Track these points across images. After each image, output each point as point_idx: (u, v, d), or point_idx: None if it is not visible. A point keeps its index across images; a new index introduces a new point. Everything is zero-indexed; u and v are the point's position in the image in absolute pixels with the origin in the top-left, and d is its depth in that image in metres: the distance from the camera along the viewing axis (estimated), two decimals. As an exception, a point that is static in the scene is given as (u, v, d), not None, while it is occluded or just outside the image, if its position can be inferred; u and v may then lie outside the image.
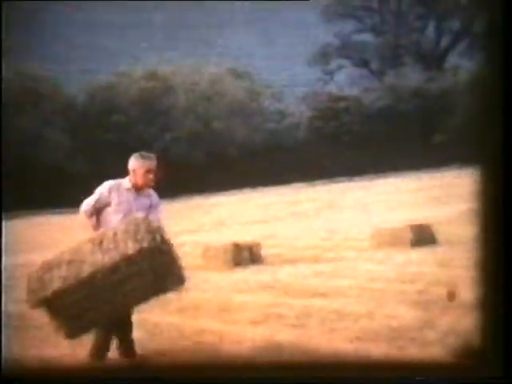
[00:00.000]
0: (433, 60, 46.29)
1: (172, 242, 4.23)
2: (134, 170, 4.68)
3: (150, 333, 5.58)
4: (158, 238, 4.10)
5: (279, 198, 26.08)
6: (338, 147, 37.52)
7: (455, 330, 4.82)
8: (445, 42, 48.49)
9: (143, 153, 4.74)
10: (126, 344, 4.70)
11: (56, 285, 4.06)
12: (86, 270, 4.05)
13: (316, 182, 32.48)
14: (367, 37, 49.66)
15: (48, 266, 4.20)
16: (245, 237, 12.01)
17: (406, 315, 5.47)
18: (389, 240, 10.41)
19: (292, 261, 9.90)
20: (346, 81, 45.87)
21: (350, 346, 4.70)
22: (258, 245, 10.36)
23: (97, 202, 4.66)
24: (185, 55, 44.09)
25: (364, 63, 48.88)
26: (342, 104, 39.02)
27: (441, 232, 10.55)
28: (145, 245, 4.03)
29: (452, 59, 46.94)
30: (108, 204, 4.65)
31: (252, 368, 4.39)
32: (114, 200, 4.64)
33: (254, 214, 20.58)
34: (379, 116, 38.00)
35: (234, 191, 30.96)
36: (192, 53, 46.86)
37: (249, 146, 37.18)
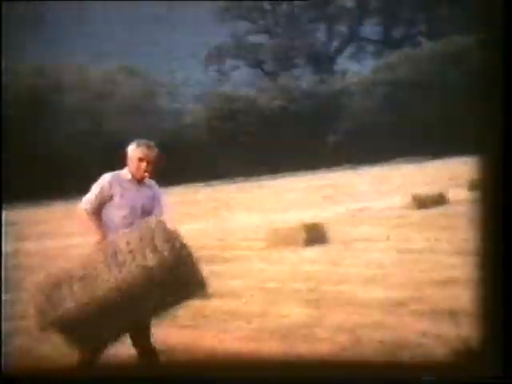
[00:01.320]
0: (323, 62, 47.73)
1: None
2: (129, 158, 4.44)
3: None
4: (178, 244, 3.81)
5: (175, 197, 25.88)
6: (235, 147, 37.84)
7: (343, 327, 4.99)
8: (335, 45, 50.15)
9: (140, 140, 4.47)
10: (148, 352, 4.24)
11: (68, 304, 3.75)
12: (102, 286, 3.74)
13: (213, 182, 32.55)
14: (261, 38, 50.41)
15: (55, 282, 3.85)
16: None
17: (298, 313, 5.60)
18: (283, 239, 10.60)
19: (187, 262, 9.84)
20: (241, 81, 46.31)
21: (243, 345, 4.76)
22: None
23: (98, 197, 4.33)
24: (73, 51, 42.78)
25: (258, 64, 49.58)
26: (238, 104, 39.38)
27: (332, 231, 10.89)
28: (165, 254, 3.74)
29: (341, 62, 48.61)
30: (110, 198, 4.33)
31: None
32: (117, 193, 4.33)
33: (149, 214, 20.29)
34: (274, 117, 38.67)
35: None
36: (81, 49, 45.55)
37: (144, 145, 36.66)
